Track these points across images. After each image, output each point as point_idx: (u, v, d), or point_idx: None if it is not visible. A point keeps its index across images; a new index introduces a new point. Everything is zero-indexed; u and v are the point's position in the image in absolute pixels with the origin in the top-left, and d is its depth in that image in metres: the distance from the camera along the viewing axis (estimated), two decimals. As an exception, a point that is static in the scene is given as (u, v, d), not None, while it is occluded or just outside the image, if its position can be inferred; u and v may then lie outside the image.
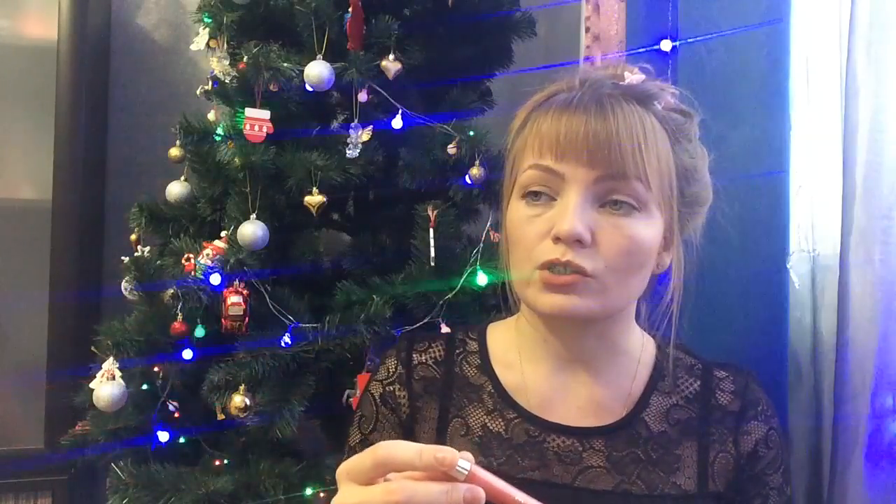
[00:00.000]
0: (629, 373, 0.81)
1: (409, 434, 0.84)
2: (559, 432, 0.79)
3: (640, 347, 0.83)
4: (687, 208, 0.79)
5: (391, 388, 0.85)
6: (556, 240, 0.72)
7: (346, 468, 0.55)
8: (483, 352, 0.86)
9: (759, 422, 0.80)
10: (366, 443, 0.85)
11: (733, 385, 0.82)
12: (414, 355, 0.86)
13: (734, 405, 0.81)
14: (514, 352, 0.84)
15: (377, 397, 0.86)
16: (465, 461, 0.53)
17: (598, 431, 0.79)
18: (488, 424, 0.81)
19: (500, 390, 0.82)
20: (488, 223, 1.19)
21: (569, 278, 0.71)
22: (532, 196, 0.75)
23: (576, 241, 0.71)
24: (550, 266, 0.72)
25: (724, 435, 0.79)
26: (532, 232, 0.74)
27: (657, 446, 0.78)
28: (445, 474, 0.52)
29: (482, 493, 0.53)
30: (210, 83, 1.33)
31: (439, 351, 0.86)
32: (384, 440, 0.83)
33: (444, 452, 0.53)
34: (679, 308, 0.81)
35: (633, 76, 0.77)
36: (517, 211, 0.77)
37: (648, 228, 0.74)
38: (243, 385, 1.12)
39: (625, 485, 0.76)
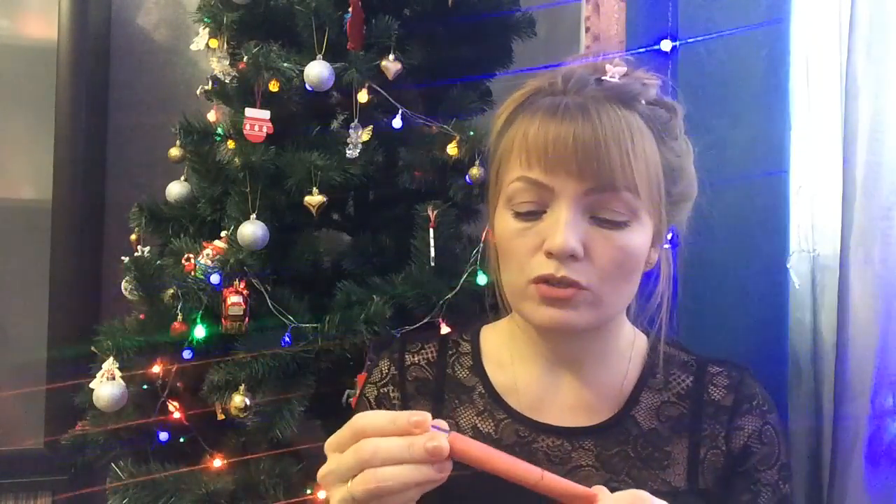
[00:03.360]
0: (620, 371, 0.81)
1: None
2: (548, 433, 0.79)
3: (630, 345, 0.83)
4: (673, 206, 0.78)
5: (385, 390, 0.85)
6: (549, 255, 0.71)
7: (330, 441, 0.59)
8: (476, 353, 0.85)
9: (752, 416, 0.79)
10: None
11: (727, 380, 0.81)
12: (406, 356, 0.86)
13: (727, 400, 0.80)
14: (506, 352, 0.84)
15: (372, 400, 0.86)
16: (443, 425, 0.56)
17: (587, 431, 0.79)
18: (478, 425, 0.81)
19: (490, 391, 0.82)
20: (488, 223, 1.18)
21: (567, 292, 0.71)
22: (522, 214, 0.73)
23: (569, 257, 0.70)
24: (545, 280, 0.71)
25: (717, 431, 0.79)
26: (523, 246, 0.73)
27: (647, 444, 0.78)
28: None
29: (445, 444, 0.54)
30: (210, 83, 1.33)
31: (432, 352, 0.86)
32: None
33: (418, 416, 0.55)
34: (669, 304, 0.81)
35: (615, 68, 0.75)
36: (506, 222, 0.75)
37: (639, 235, 0.73)
38: (243, 385, 1.12)
39: (614, 483, 0.76)
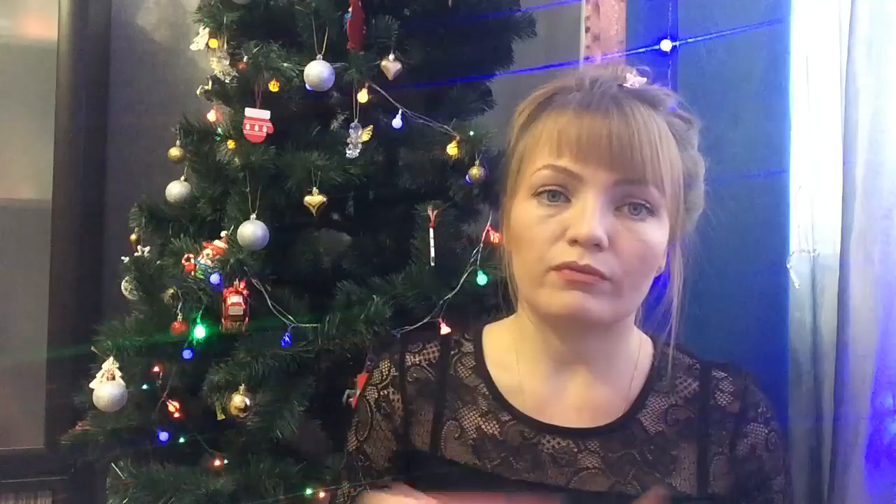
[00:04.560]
0: (627, 374, 0.81)
1: (403, 440, 0.84)
2: (554, 434, 0.79)
3: (637, 348, 0.83)
4: (686, 213, 0.79)
5: (385, 392, 0.85)
6: (573, 242, 0.71)
7: None
8: (478, 353, 0.85)
9: (758, 424, 0.80)
10: (360, 450, 0.86)
11: (732, 386, 0.81)
12: (407, 357, 0.86)
13: (734, 406, 0.80)
14: (511, 352, 0.84)
15: (372, 403, 0.86)
16: None
17: (593, 432, 0.79)
18: (482, 427, 0.80)
19: (494, 392, 0.82)
20: (488, 223, 1.18)
21: (589, 277, 0.71)
22: (548, 196, 0.74)
23: (594, 245, 0.70)
24: (567, 267, 0.71)
25: (723, 437, 0.79)
26: (545, 233, 0.73)
27: (653, 447, 0.78)
28: None
29: None
30: (210, 83, 1.33)
31: (434, 352, 0.86)
32: (376, 450, 0.84)
33: None
34: (679, 311, 0.81)
35: (635, 79, 0.77)
36: (527, 210, 0.75)
37: (660, 232, 0.74)
38: (243, 385, 1.11)
39: (620, 486, 0.76)
